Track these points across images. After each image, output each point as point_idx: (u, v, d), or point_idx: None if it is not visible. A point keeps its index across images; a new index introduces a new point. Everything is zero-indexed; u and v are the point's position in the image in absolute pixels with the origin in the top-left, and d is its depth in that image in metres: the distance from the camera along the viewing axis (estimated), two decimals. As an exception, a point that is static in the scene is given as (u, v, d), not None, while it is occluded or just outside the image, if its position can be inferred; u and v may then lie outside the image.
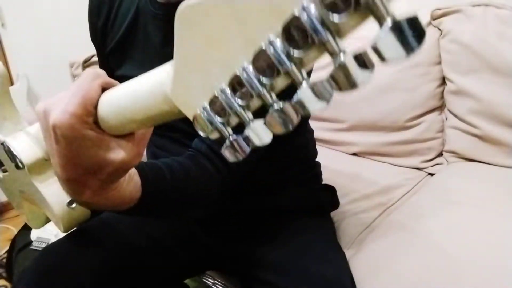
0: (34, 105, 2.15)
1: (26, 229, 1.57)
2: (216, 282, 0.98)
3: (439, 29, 1.15)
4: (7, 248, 1.63)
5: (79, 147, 0.32)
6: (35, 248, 1.47)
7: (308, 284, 0.62)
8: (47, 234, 1.49)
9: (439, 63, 1.16)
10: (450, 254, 0.71)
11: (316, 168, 0.88)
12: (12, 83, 2.14)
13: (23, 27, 2.18)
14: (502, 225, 0.75)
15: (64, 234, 0.72)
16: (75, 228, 0.69)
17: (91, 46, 0.93)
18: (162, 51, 0.68)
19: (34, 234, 1.51)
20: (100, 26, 0.76)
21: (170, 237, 0.76)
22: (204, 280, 0.96)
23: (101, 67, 0.85)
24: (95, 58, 1.29)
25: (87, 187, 0.35)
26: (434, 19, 1.17)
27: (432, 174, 1.16)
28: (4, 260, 1.61)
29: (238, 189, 0.70)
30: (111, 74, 0.80)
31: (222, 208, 0.74)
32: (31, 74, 2.17)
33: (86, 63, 1.29)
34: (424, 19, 1.19)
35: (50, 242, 1.45)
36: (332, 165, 1.14)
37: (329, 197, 0.87)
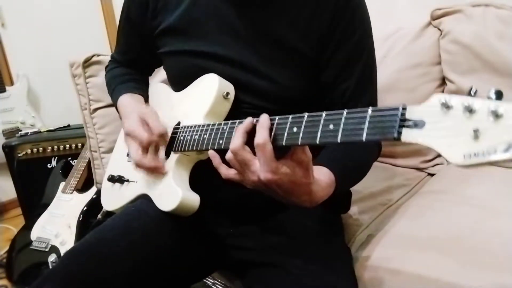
0: (34, 105, 2.16)
1: (26, 229, 1.57)
2: (216, 282, 0.98)
3: (439, 29, 1.15)
4: (7, 248, 1.63)
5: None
6: (35, 248, 1.47)
7: (313, 268, 0.64)
8: (47, 234, 1.48)
9: (439, 63, 1.16)
10: (451, 254, 0.71)
11: None
12: (12, 83, 2.14)
13: (23, 27, 2.18)
14: (502, 225, 0.75)
15: (72, 244, 0.71)
16: (95, 231, 0.69)
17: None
18: (232, 24, 0.71)
19: (34, 234, 1.51)
20: (159, 7, 0.78)
21: (188, 232, 0.75)
22: (204, 280, 0.96)
23: (127, 49, 0.90)
24: (95, 58, 1.28)
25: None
26: (434, 19, 1.17)
27: (432, 174, 1.16)
28: (4, 260, 1.61)
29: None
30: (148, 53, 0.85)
31: (238, 195, 0.74)
32: (31, 74, 2.17)
33: (86, 63, 1.28)
34: (424, 19, 1.19)
35: (49, 242, 1.45)
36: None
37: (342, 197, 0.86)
